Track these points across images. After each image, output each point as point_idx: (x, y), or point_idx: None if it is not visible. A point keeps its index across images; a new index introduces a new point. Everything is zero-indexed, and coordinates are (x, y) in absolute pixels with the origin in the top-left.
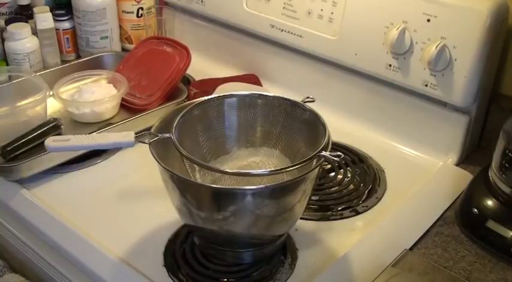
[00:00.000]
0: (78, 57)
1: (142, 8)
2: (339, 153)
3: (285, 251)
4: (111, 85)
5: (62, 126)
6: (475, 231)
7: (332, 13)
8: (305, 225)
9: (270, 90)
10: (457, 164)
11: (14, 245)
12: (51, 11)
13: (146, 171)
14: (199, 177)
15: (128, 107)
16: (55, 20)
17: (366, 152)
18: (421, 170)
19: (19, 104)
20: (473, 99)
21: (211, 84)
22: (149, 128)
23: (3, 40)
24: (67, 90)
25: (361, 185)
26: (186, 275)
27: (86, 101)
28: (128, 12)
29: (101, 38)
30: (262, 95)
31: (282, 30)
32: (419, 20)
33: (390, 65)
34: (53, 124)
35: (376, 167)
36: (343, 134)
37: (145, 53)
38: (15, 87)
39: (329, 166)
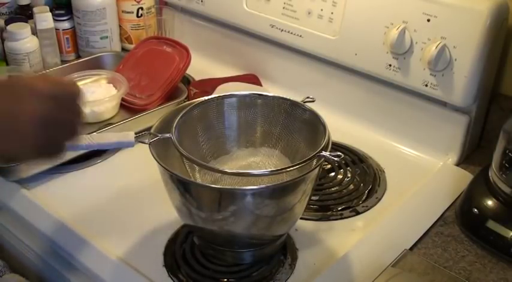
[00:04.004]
0: (78, 57)
1: (142, 8)
2: (339, 153)
3: (285, 251)
4: (111, 85)
5: None
6: (475, 231)
7: (332, 13)
8: (305, 225)
9: (270, 90)
10: (457, 164)
11: (14, 245)
12: (51, 11)
13: (146, 171)
14: (199, 177)
15: (127, 107)
16: (55, 20)
17: (366, 152)
18: (421, 170)
19: None
20: (473, 99)
21: (211, 84)
22: (149, 128)
23: (3, 40)
24: None
25: (361, 185)
26: (186, 275)
27: (86, 101)
28: (127, 12)
29: (101, 38)
30: (262, 95)
31: (282, 30)
32: (419, 20)
33: (390, 65)
34: None
35: (376, 167)
36: (343, 134)
37: (145, 53)
38: None
39: (329, 166)
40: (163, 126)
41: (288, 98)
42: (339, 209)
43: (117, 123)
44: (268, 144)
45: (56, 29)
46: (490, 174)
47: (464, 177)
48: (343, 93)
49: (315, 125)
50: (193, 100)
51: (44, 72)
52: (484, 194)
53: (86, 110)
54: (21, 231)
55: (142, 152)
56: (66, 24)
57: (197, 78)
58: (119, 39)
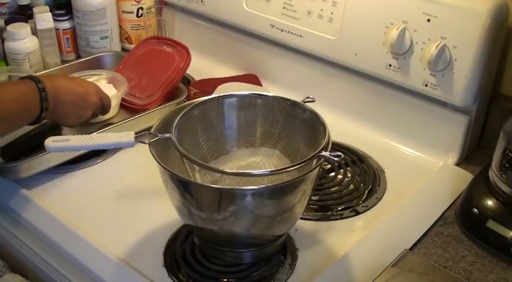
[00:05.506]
0: (78, 57)
1: (142, 8)
2: (339, 153)
3: (285, 251)
4: (111, 85)
5: (62, 126)
6: (475, 231)
7: (332, 13)
8: (305, 225)
9: (270, 90)
10: (457, 164)
11: (14, 245)
12: (51, 11)
13: (146, 171)
14: (199, 177)
15: (128, 107)
16: (55, 20)
17: (366, 152)
18: (421, 170)
19: None
20: (473, 99)
21: (211, 84)
22: (149, 128)
23: (3, 40)
24: None
25: (361, 185)
26: (186, 275)
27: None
28: (127, 12)
29: (101, 38)
30: (262, 95)
31: (282, 30)
32: (419, 20)
33: (390, 65)
34: (52, 124)
35: (376, 167)
36: (343, 134)
37: (145, 53)
38: None
39: (329, 166)
40: (163, 126)
41: (288, 98)
42: (339, 209)
43: (117, 123)
44: (268, 144)
45: (56, 29)
46: (490, 174)
47: (464, 177)
48: (343, 93)
49: (315, 125)
50: (193, 100)
51: (44, 72)
52: (484, 194)
53: None
54: (21, 231)
55: (142, 152)
56: (66, 24)
57: (197, 78)
58: (119, 39)
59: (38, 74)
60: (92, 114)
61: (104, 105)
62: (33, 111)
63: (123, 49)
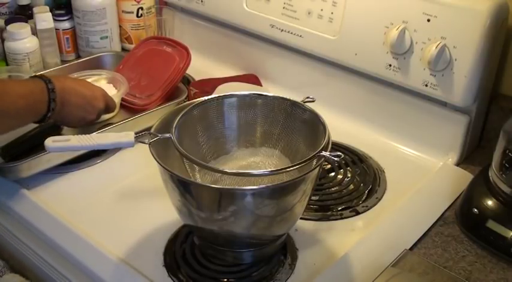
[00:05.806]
0: (78, 57)
1: (142, 8)
2: (339, 153)
3: (285, 251)
4: (111, 85)
5: (62, 126)
6: (475, 231)
7: (332, 13)
8: (305, 225)
9: (270, 90)
10: (457, 164)
11: (14, 245)
12: (51, 11)
13: (146, 171)
14: (199, 177)
15: (128, 107)
16: (55, 20)
17: (366, 152)
18: (421, 170)
19: None
20: (473, 99)
21: (211, 84)
22: (149, 128)
23: (3, 40)
24: None
25: (361, 185)
26: (186, 275)
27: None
28: (127, 12)
29: (101, 38)
30: (262, 95)
31: (282, 30)
32: (419, 20)
33: (390, 65)
34: (52, 124)
35: (376, 167)
36: (343, 134)
37: (145, 53)
38: None
39: (329, 166)
40: (163, 126)
41: (288, 98)
42: (339, 209)
43: (117, 123)
44: (268, 144)
45: (56, 29)
46: (490, 174)
47: (464, 177)
48: (343, 93)
49: (315, 125)
50: (193, 100)
51: (44, 72)
52: (484, 194)
53: None
54: (21, 231)
55: (142, 152)
56: (66, 24)
57: (197, 78)
58: (119, 39)
59: (38, 74)
60: (96, 118)
61: (108, 109)
62: (40, 110)
63: (123, 49)
